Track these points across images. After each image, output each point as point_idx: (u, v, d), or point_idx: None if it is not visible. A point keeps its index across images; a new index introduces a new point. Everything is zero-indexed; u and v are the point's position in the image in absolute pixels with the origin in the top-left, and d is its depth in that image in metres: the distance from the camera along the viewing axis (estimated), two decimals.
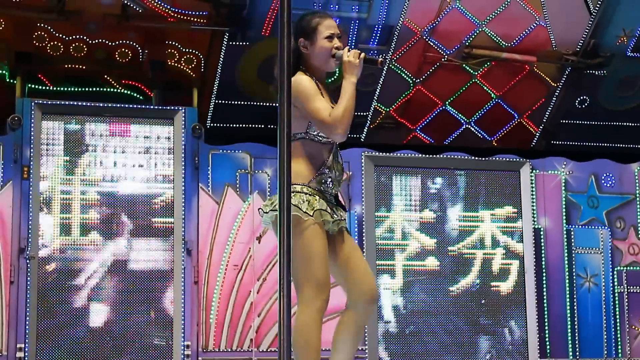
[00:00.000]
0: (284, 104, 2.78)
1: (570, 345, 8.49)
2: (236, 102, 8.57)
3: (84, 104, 7.80)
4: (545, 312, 8.47)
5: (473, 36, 8.82)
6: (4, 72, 8.26)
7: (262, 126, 8.57)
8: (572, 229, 8.66)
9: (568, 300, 8.54)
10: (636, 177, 8.89)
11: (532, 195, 8.59)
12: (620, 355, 8.62)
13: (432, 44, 8.79)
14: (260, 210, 4.35)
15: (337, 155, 4.42)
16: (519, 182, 8.61)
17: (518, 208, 8.58)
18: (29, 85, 8.18)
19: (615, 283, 8.70)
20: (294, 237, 3.85)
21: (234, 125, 8.67)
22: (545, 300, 8.48)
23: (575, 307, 8.55)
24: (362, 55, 4.46)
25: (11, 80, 8.16)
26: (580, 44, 8.96)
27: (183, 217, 7.68)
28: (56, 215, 7.53)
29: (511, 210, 8.57)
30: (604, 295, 8.65)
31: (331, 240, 4.28)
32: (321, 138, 4.34)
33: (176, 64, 8.56)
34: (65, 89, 8.36)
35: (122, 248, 7.63)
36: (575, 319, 8.54)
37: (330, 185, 4.32)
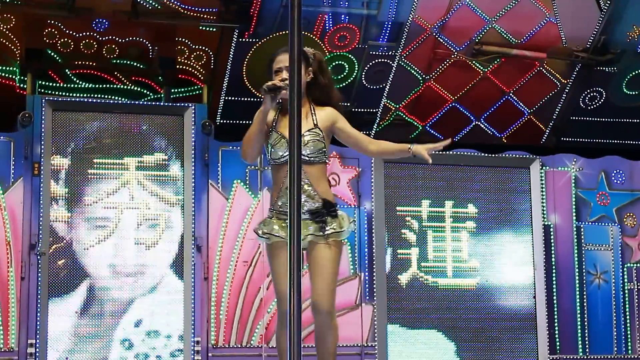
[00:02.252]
0: (295, 101, 2.79)
1: (580, 342, 8.48)
2: (246, 99, 8.57)
3: (94, 100, 7.82)
4: (555, 309, 8.46)
5: (483, 33, 8.81)
6: (14, 69, 8.29)
7: None
8: (582, 226, 8.65)
9: (578, 296, 8.53)
10: None
11: (542, 192, 8.58)
12: (630, 351, 8.61)
13: (442, 40, 8.78)
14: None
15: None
16: (529, 178, 8.61)
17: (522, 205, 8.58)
18: (40, 82, 8.20)
19: (625, 280, 8.69)
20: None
21: (244, 122, 8.65)
22: (555, 297, 8.47)
23: (585, 304, 8.54)
24: (263, 86, 4.65)
25: (22, 77, 8.19)
26: (591, 41, 8.94)
27: (193, 213, 7.69)
28: (66, 212, 7.55)
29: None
30: (613, 291, 8.64)
31: (310, 254, 4.68)
32: (276, 160, 4.73)
33: (186, 61, 8.57)
34: (76, 85, 8.38)
35: (131, 244, 7.65)
36: (585, 315, 8.53)
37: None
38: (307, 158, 4.66)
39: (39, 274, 7.35)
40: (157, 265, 7.68)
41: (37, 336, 7.29)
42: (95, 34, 8.32)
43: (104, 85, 8.42)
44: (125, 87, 8.47)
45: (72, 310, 7.47)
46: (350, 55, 8.68)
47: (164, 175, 7.78)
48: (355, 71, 8.73)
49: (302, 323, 2.75)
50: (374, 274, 8.10)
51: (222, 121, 8.56)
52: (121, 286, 7.60)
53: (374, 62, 8.71)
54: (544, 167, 8.63)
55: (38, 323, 7.30)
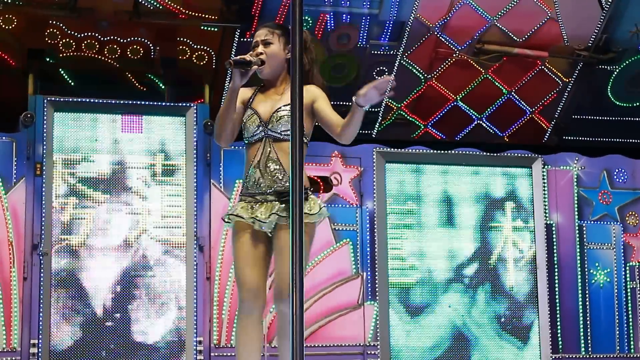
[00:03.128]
0: (296, 100, 2.79)
1: (582, 341, 8.48)
2: None
3: (96, 100, 7.82)
4: (557, 308, 8.46)
5: (485, 32, 8.81)
6: (16, 69, 8.29)
7: None
8: (584, 225, 8.64)
9: (580, 295, 8.53)
10: None
11: (544, 191, 8.57)
12: (632, 350, 8.61)
13: (443, 39, 8.79)
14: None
15: (277, 153, 4.49)
16: (530, 177, 8.60)
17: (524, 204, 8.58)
18: (41, 82, 8.20)
19: (628, 279, 8.68)
20: None
21: None
22: (557, 296, 8.47)
23: (587, 303, 8.54)
24: (229, 59, 4.45)
25: (23, 77, 8.19)
26: (592, 39, 8.94)
27: (195, 213, 7.69)
28: (68, 212, 7.55)
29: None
30: (616, 290, 8.63)
31: (274, 237, 4.45)
32: (249, 138, 4.56)
33: (188, 61, 8.58)
34: (77, 85, 8.39)
35: (134, 244, 7.65)
36: (587, 314, 8.53)
37: (262, 184, 4.47)
38: (278, 135, 4.48)
39: (42, 274, 7.36)
40: (162, 264, 7.69)
41: (40, 336, 7.29)
42: (96, 34, 8.33)
43: (106, 85, 8.42)
44: (127, 87, 8.47)
45: (75, 310, 7.47)
46: (351, 55, 8.68)
47: (165, 175, 7.78)
48: (357, 70, 8.73)
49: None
50: (376, 273, 8.10)
51: None
52: (124, 287, 7.60)
53: (375, 61, 8.72)
54: (546, 166, 8.62)
55: (40, 323, 7.30)
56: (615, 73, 9.18)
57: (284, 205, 4.41)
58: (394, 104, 9.00)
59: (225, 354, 7.68)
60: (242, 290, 4.50)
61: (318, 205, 4.47)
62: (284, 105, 4.49)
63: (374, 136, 9.03)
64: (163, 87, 8.51)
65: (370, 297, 8.07)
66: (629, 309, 8.65)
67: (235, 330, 4.51)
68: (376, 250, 8.14)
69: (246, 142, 4.59)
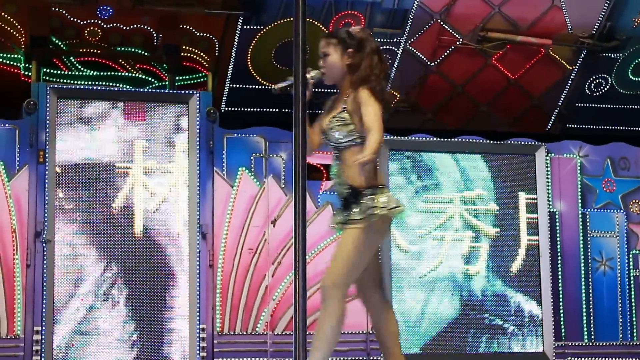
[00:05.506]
0: (299, 88, 2.78)
1: (585, 329, 8.48)
2: (251, 86, 8.57)
3: (99, 88, 7.81)
4: (561, 296, 8.46)
5: (488, 19, 8.78)
6: (19, 56, 8.29)
7: (277, 110, 8.57)
8: (587, 213, 8.64)
9: (583, 283, 8.53)
10: None
11: (548, 178, 8.56)
12: (635, 338, 8.61)
13: (446, 27, 8.76)
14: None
15: (339, 161, 4.65)
16: (534, 165, 8.59)
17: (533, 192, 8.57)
18: (44, 69, 8.20)
19: (631, 266, 8.68)
20: None
21: (249, 109, 8.67)
22: (560, 284, 8.47)
23: (590, 291, 8.54)
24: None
25: (26, 65, 8.19)
26: (596, 27, 8.91)
27: (198, 201, 7.69)
28: (71, 199, 7.55)
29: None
30: (619, 278, 8.63)
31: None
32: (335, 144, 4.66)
33: (191, 48, 8.56)
34: (80, 73, 8.38)
35: (138, 232, 7.65)
36: (591, 302, 8.53)
37: (336, 189, 4.71)
38: (333, 143, 4.63)
39: (45, 261, 7.37)
40: (164, 252, 7.69)
41: (43, 323, 7.31)
42: (99, 22, 8.32)
43: (109, 73, 8.42)
44: (130, 74, 8.46)
45: (78, 297, 7.48)
46: None
47: (168, 163, 7.78)
48: None
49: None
50: (379, 261, 8.08)
51: (226, 109, 8.56)
52: (129, 273, 7.60)
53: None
54: (549, 154, 8.61)
55: (44, 310, 7.32)
56: (619, 61, 9.15)
57: (346, 211, 4.62)
58: (397, 91, 8.98)
59: (228, 341, 7.69)
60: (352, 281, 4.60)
61: (369, 204, 4.53)
62: (338, 113, 4.60)
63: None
64: (166, 74, 8.49)
65: None
66: (632, 297, 8.64)
67: (337, 312, 4.47)
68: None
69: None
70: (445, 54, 8.92)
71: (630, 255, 8.69)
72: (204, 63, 8.59)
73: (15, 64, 8.33)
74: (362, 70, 4.57)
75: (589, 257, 8.58)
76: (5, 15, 8.16)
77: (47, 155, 7.48)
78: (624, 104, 9.38)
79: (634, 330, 8.61)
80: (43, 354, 7.28)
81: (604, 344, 8.52)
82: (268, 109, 8.63)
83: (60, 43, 8.33)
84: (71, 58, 8.38)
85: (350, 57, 4.61)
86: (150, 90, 8.15)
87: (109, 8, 8.24)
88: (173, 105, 7.85)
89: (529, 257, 8.49)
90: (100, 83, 8.24)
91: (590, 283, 8.55)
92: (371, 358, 7.98)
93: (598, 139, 8.94)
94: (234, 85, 8.55)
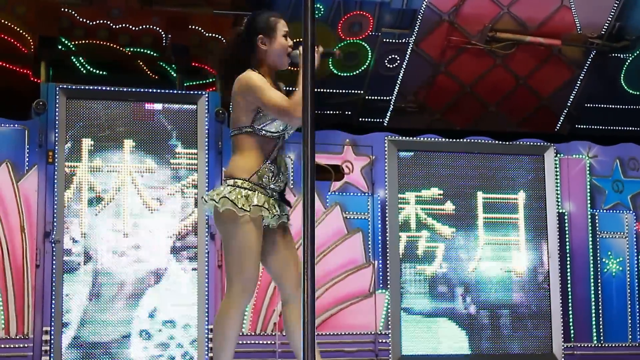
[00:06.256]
0: (309, 88, 2.77)
1: (594, 330, 8.46)
2: None
3: (108, 88, 7.83)
4: (570, 297, 8.44)
5: (497, 20, 8.77)
6: (28, 57, 8.30)
7: None
8: (596, 213, 8.62)
9: (592, 284, 8.51)
10: None
11: (557, 179, 8.55)
12: None
13: (455, 27, 8.75)
14: (202, 198, 4.60)
15: (283, 150, 4.59)
16: (543, 166, 8.57)
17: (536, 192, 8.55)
18: (54, 70, 8.21)
19: None
20: (228, 232, 4.39)
21: None
22: (569, 285, 8.45)
23: (599, 292, 8.52)
24: (320, 49, 4.49)
25: (36, 66, 8.20)
26: (606, 27, 8.89)
27: None
28: (81, 199, 7.57)
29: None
30: (628, 279, 8.61)
31: (271, 234, 4.53)
32: (266, 132, 4.49)
33: (199, 49, 8.57)
34: (89, 73, 8.40)
35: (145, 232, 7.66)
36: (600, 303, 8.51)
37: (273, 180, 4.49)
38: (287, 132, 4.59)
39: (54, 261, 7.38)
40: (173, 252, 7.70)
41: (52, 323, 7.32)
42: (108, 22, 8.33)
43: (118, 74, 8.43)
44: (139, 75, 8.47)
45: (87, 297, 7.49)
46: (363, 43, 8.66)
47: (177, 162, 7.78)
48: (369, 59, 8.71)
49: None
50: (388, 261, 8.09)
51: None
52: (135, 274, 7.61)
53: (387, 49, 8.69)
54: (558, 155, 8.59)
55: (53, 310, 7.33)
56: (629, 61, 9.13)
57: (281, 203, 4.55)
58: (406, 91, 8.97)
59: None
60: (248, 282, 4.42)
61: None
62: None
63: (385, 124, 9.01)
64: (175, 75, 8.50)
65: (381, 285, 8.07)
66: None
67: (221, 320, 4.44)
68: (387, 238, 8.13)
69: (262, 133, 4.50)
70: (454, 54, 8.91)
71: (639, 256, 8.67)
72: (213, 63, 8.58)
73: (24, 64, 8.34)
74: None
75: (598, 258, 8.56)
76: (15, 16, 8.18)
77: (56, 155, 7.49)
78: (633, 104, 9.35)
79: None
80: (52, 354, 7.29)
81: (613, 345, 8.49)
82: None
83: (69, 44, 8.34)
84: (80, 58, 8.39)
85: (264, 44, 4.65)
86: (158, 90, 8.15)
87: (117, 9, 8.24)
88: (182, 105, 7.85)
89: (538, 259, 8.48)
90: (109, 83, 8.25)
91: (599, 284, 8.53)
92: (379, 358, 7.97)
93: (607, 140, 8.92)
94: None
